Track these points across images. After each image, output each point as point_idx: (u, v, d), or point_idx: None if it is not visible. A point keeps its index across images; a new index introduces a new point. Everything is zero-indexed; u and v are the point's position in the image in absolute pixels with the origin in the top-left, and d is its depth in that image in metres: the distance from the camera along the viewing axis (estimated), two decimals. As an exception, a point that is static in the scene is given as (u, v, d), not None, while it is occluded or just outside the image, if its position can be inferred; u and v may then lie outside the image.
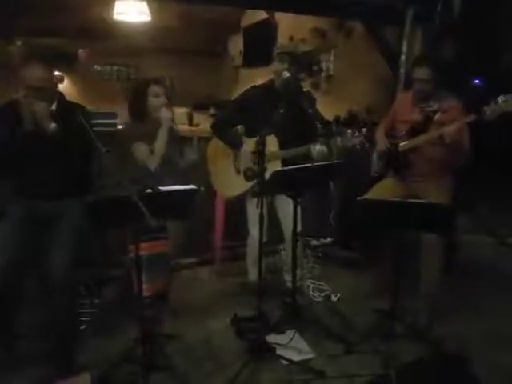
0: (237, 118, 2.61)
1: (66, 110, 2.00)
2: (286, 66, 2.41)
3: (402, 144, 2.46)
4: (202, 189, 1.96)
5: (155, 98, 2.34)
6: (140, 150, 2.28)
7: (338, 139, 2.26)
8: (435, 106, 2.37)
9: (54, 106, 2.01)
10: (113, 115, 3.50)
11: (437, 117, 2.36)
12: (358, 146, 2.19)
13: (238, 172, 2.61)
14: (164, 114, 2.31)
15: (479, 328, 2.46)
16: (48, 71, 1.96)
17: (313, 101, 2.58)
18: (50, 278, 1.89)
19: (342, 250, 3.57)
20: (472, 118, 2.19)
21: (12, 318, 2.01)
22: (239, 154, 2.58)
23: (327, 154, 2.31)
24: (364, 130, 2.20)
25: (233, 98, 3.03)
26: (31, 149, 1.93)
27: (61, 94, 2.10)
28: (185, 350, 2.24)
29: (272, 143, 2.39)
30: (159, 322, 2.36)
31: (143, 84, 2.39)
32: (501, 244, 3.72)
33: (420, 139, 2.36)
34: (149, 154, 2.27)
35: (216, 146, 2.69)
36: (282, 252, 2.90)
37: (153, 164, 2.25)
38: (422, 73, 2.35)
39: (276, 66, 2.47)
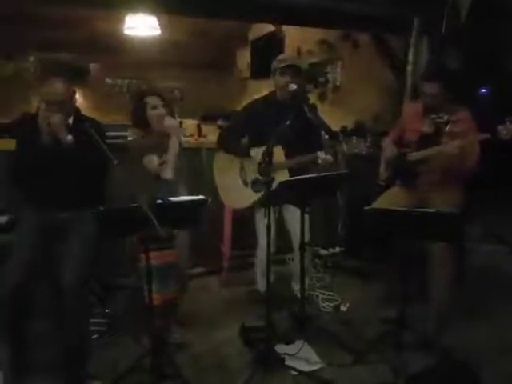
0: (242, 131, 2.64)
1: (81, 123, 2.05)
2: (288, 78, 2.43)
3: (411, 155, 2.47)
4: (210, 200, 1.98)
5: (153, 109, 2.27)
6: (151, 161, 2.27)
7: (344, 146, 2.28)
8: (446, 118, 2.37)
9: (70, 120, 2.07)
10: (124, 128, 3.56)
11: (448, 128, 2.36)
12: (364, 152, 2.21)
13: (246, 184, 2.63)
14: (168, 122, 2.24)
15: (489, 337, 2.43)
16: (67, 85, 2.02)
17: (315, 110, 2.59)
18: (61, 288, 1.92)
19: (351, 260, 3.56)
20: (486, 136, 2.19)
21: (24, 327, 2.03)
22: (245, 166, 2.61)
23: (333, 161, 2.33)
24: (369, 135, 2.22)
25: (237, 110, 3.06)
26: (47, 160, 1.99)
27: (77, 109, 2.16)
28: (193, 359, 2.26)
29: (278, 154, 2.42)
30: (168, 331, 2.37)
31: (138, 96, 2.34)
32: (511, 252, 3.68)
33: (430, 151, 2.36)
34: (161, 166, 2.26)
35: (222, 159, 2.71)
36: (291, 262, 2.90)
37: (166, 176, 2.23)
38: (430, 87, 2.35)
39: (278, 79, 2.49)
